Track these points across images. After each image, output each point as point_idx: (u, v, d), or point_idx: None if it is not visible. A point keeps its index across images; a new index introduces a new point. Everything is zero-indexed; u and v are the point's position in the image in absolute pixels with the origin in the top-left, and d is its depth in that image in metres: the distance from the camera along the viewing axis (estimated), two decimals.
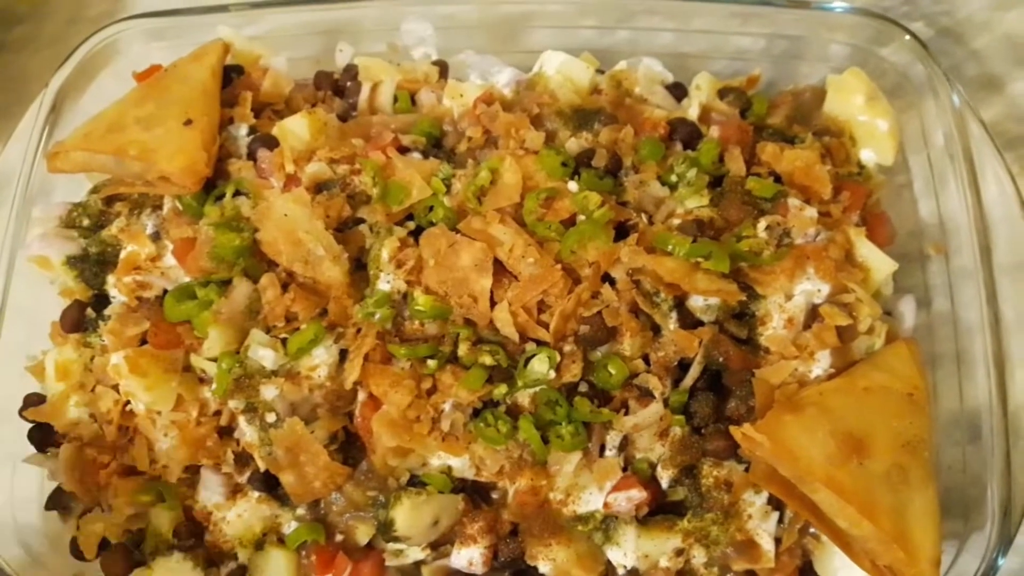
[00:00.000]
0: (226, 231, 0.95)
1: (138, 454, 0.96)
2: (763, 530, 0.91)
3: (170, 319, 0.93)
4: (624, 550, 0.91)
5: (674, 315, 0.93)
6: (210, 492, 0.95)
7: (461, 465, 0.91)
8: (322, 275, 0.94)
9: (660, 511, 0.94)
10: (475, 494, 0.93)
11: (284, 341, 0.92)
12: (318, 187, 1.00)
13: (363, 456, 0.92)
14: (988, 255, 1.02)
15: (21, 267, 1.05)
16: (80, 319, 1.02)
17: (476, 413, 0.92)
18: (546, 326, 0.91)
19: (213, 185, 1.01)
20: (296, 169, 1.00)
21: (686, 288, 0.91)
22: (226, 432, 0.95)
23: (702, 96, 1.11)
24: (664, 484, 0.93)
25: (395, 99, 1.12)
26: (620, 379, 0.91)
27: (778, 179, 1.03)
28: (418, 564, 0.94)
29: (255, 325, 0.93)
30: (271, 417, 0.90)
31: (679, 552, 0.92)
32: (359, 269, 0.98)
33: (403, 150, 1.04)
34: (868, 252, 0.99)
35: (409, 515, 0.89)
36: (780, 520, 0.92)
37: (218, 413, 0.95)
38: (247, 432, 0.92)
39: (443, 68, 1.17)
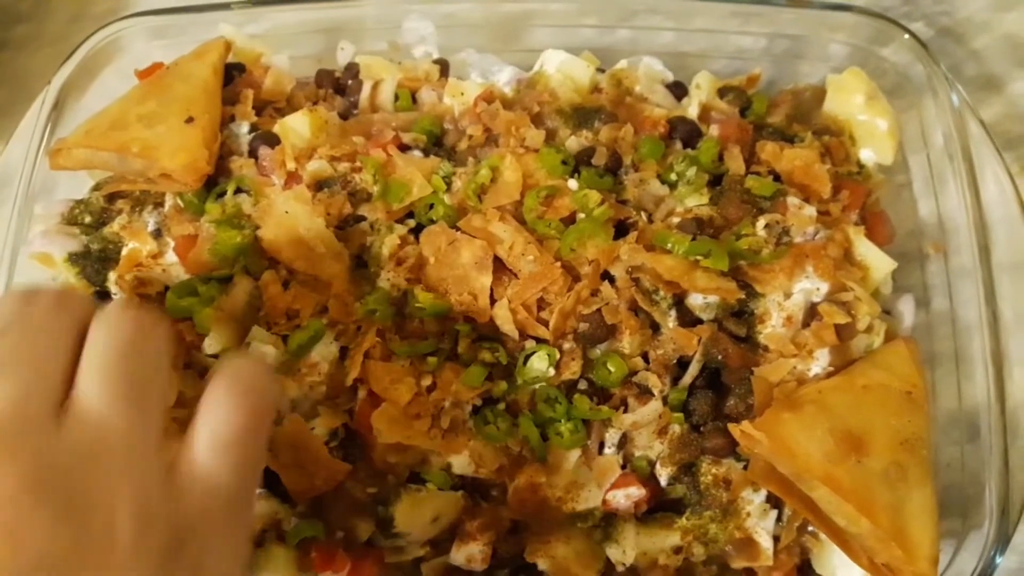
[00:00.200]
0: (227, 228, 0.95)
1: None
2: (762, 528, 0.91)
3: (171, 316, 0.93)
4: (623, 547, 0.91)
5: (673, 313, 0.94)
6: None
7: (461, 462, 0.91)
8: (323, 272, 0.94)
9: (659, 509, 0.94)
10: (475, 491, 0.94)
11: (285, 338, 0.92)
12: (319, 185, 1.00)
13: (363, 453, 0.92)
14: (987, 255, 1.02)
15: (23, 264, 1.05)
16: None
17: (476, 410, 0.92)
18: (546, 324, 0.92)
19: (214, 182, 1.01)
20: (297, 167, 1.00)
21: (685, 286, 0.92)
22: None
23: (702, 95, 1.11)
24: (663, 482, 0.93)
25: (396, 97, 1.12)
26: (619, 377, 0.91)
27: (777, 178, 1.03)
28: (417, 561, 0.94)
29: (256, 322, 0.93)
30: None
31: (678, 550, 0.92)
32: (360, 267, 0.98)
33: (404, 148, 1.04)
34: (867, 251, 1.00)
35: (409, 512, 0.89)
36: (779, 518, 0.92)
37: None
38: None
39: (444, 67, 1.17)
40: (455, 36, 1.20)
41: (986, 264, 1.01)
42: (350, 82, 1.15)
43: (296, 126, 1.04)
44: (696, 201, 1.00)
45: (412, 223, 0.98)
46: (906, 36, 1.12)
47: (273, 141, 1.04)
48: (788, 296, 0.95)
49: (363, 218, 0.99)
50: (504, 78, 1.14)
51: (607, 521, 0.92)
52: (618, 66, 1.15)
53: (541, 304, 0.93)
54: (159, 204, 1.03)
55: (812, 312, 0.95)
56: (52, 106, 1.12)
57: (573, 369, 0.91)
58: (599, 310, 0.92)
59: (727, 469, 0.92)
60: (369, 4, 1.20)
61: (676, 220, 0.97)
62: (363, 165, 0.99)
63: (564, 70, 1.12)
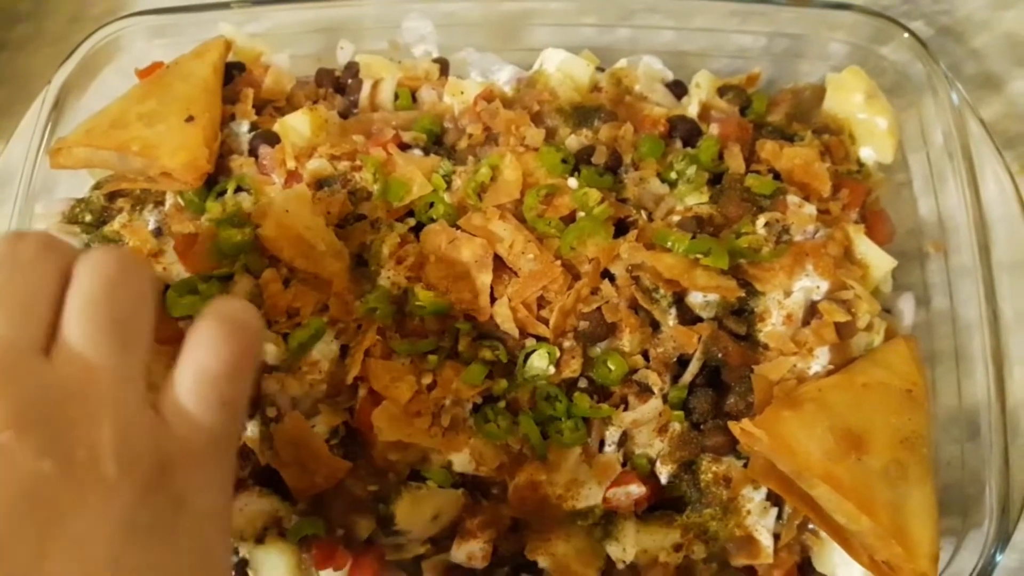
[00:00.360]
0: (228, 227, 0.96)
1: None
2: (762, 526, 0.91)
3: (172, 314, 0.93)
4: (623, 545, 0.91)
5: (673, 311, 0.94)
6: None
7: (461, 460, 0.91)
8: (323, 271, 0.94)
9: (659, 507, 0.94)
10: (475, 489, 0.94)
11: (285, 336, 0.92)
12: (319, 183, 1.00)
13: (363, 451, 0.92)
14: (987, 253, 1.02)
15: None
16: None
17: (476, 408, 0.92)
18: (546, 322, 0.92)
19: (215, 181, 1.01)
20: (297, 165, 1.00)
21: (685, 284, 0.92)
22: None
23: (702, 94, 1.11)
24: (663, 480, 0.93)
25: (396, 96, 1.12)
26: (619, 375, 0.92)
27: (777, 176, 1.03)
28: (418, 559, 0.94)
29: None
30: (272, 411, 0.91)
31: (678, 547, 0.92)
32: (360, 265, 0.98)
33: (404, 147, 1.04)
34: (867, 249, 1.00)
35: (409, 510, 0.89)
36: (779, 516, 0.92)
37: None
38: (248, 427, 0.92)
39: (444, 66, 1.18)
40: (455, 35, 1.20)
41: (986, 263, 1.01)
42: (350, 81, 1.15)
43: (296, 125, 1.04)
44: (696, 199, 1.00)
45: (412, 222, 0.99)
46: (906, 35, 1.12)
47: (273, 140, 1.04)
48: (788, 294, 0.95)
49: (363, 217, 0.99)
50: (504, 77, 1.15)
51: (607, 519, 0.92)
52: (618, 65, 1.15)
53: (541, 302, 0.93)
54: (159, 203, 1.03)
55: (812, 310, 0.95)
56: (52, 105, 1.12)
57: (573, 367, 0.91)
58: (599, 308, 0.92)
59: (727, 467, 0.92)
60: (369, 3, 1.20)
61: (676, 218, 0.98)
62: (363, 164, 1.00)
63: (564, 69, 1.12)
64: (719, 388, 0.94)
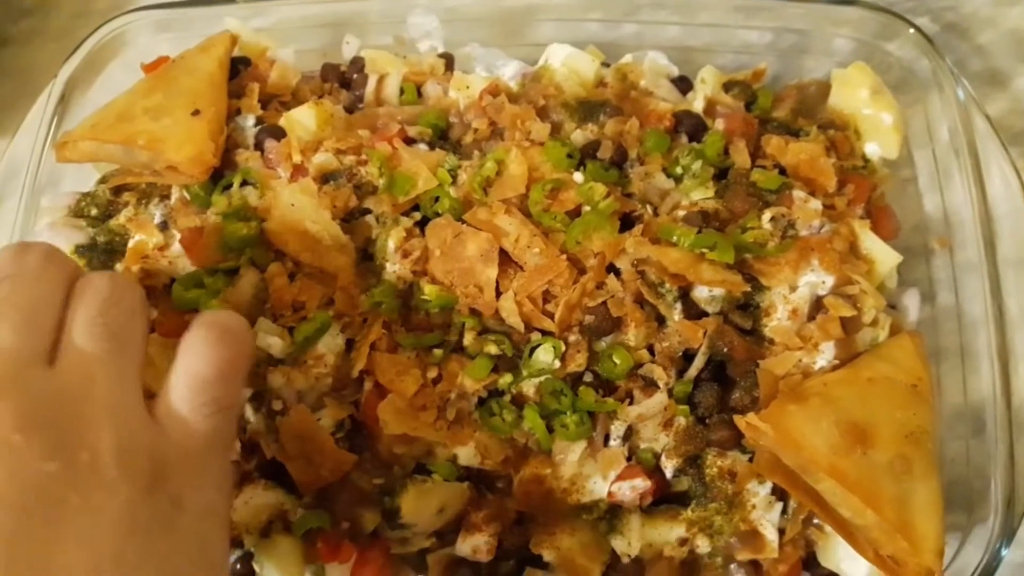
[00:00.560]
0: (233, 220, 0.96)
1: None
2: (767, 520, 0.91)
3: (178, 307, 0.93)
4: (628, 539, 0.91)
5: (679, 306, 0.94)
6: None
7: (466, 454, 0.91)
8: (329, 265, 0.94)
9: (664, 501, 0.94)
10: (480, 483, 0.94)
11: (291, 330, 0.92)
12: (325, 177, 1.00)
13: (369, 444, 0.92)
14: (993, 249, 1.02)
15: None
16: None
17: (481, 402, 0.92)
18: (551, 316, 0.92)
19: (220, 175, 1.01)
20: (303, 159, 1.00)
21: (691, 279, 0.92)
22: None
23: (707, 89, 1.11)
24: (668, 474, 0.93)
25: (401, 91, 1.12)
26: (625, 369, 0.91)
27: (783, 171, 1.03)
28: (423, 552, 0.94)
29: (262, 313, 0.93)
30: (278, 405, 0.91)
31: (683, 541, 0.92)
32: (365, 259, 0.98)
33: (409, 141, 1.04)
34: (872, 244, 1.00)
35: (415, 503, 0.89)
36: (784, 510, 0.92)
37: None
38: (254, 420, 0.92)
39: (449, 61, 1.18)
40: (460, 30, 1.20)
41: (992, 259, 1.01)
42: (355, 76, 1.15)
43: (302, 119, 1.04)
44: (702, 194, 1.00)
45: (418, 216, 0.99)
46: (911, 31, 1.12)
47: (279, 134, 1.04)
48: (794, 289, 0.95)
49: (369, 211, 0.99)
50: (509, 72, 1.14)
51: (612, 513, 0.93)
52: (623, 60, 1.15)
53: (547, 297, 0.93)
54: (165, 196, 1.03)
55: (817, 305, 0.95)
56: (58, 100, 1.13)
57: (579, 361, 0.91)
58: (604, 303, 0.92)
59: (732, 461, 0.92)
60: None
61: (682, 213, 0.98)
62: (369, 158, 1.00)
63: (569, 64, 1.12)
64: (724, 382, 0.94)
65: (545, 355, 0.91)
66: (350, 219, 0.99)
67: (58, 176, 1.11)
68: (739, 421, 0.88)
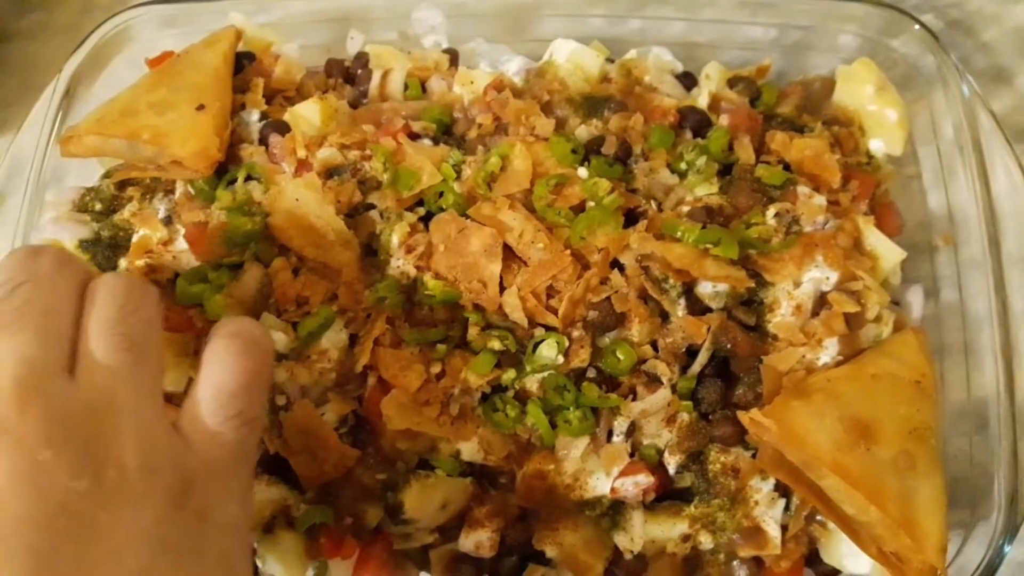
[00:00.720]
0: (238, 215, 0.96)
1: None
2: (770, 517, 0.91)
3: (182, 302, 0.93)
4: (631, 535, 0.91)
5: (682, 301, 0.94)
6: None
7: (469, 449, 0.91)
8: (333, 260, 0.94)
9: (667, 497, 0.94)
10: (483, 478, 0.94)
11: (295, 325, 0.92)
12: (329, 172, 1.00)
13: (372, 440, 0.93)
14: (997, 246, 1.02)
15: None
16: None
17: (485, 398, 0.92)
18: (555, 311, 0.92)
19: (225, 170, 1.01)
20: (307, 154, 1.00)
21: (695, 274, 0.92)
22: None
23: (712, 85, 1.11)
24: (671, 470, 0.93)
25: (405, 86, 1.12)
26: (628, 365, 0.91)
27: (787, 167, 1.03)
28: (426, 548, 0.94)
29: (266, 308, 0.93)
30: (281, 400, 0.91)
31: (686, 538, 0.92)
32: (369, 254, 0.98)
33: (413, 136, 1.04)
34: (876, 241, 0.99)
35: (418, 498, 0.89)
36: (787, 507, 0.92)
37: None
38: None
39: (453, 56, 1.18)
40: (464, 26, 1.20)
41: (996, 256, 1.01)
42: (360, 71, 1.15)
43: (306, 114, 1.04)
44: (706, 190, 1.00)
45: (422, 211, 0.99)
46: (916, 27, 1.12)
47: (283, 129, 1.04)
48: (797, 285, 0.95)
49: (373, 206, 0.99)
50: (514, 68, 1.15)
51: (615, 509, 0.93)
52: (628, 56, 1.15)
53: (550, 292, 0.93)
54: (170, 191, 1.03)
55: (821, 301, 0.95)
56: (63, 94, 1.13)
57: (582, 357, 0.91)
58: (608, 298, 0.92)
59: (735, 457, 0.92)
60: None
61: (686, 209, 0.98)
62: (373, 153, 1.00)
63: (574, 60, 1.12)
64: (728, 378, 0.94)
65: (549, 351, 0.91)
66: (354, 214, 0.99)
67: (62, 171, 1.11)
68: (742, 417, 0.88)
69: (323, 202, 0.96)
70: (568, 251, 0.93)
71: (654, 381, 0.92)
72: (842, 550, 0.92)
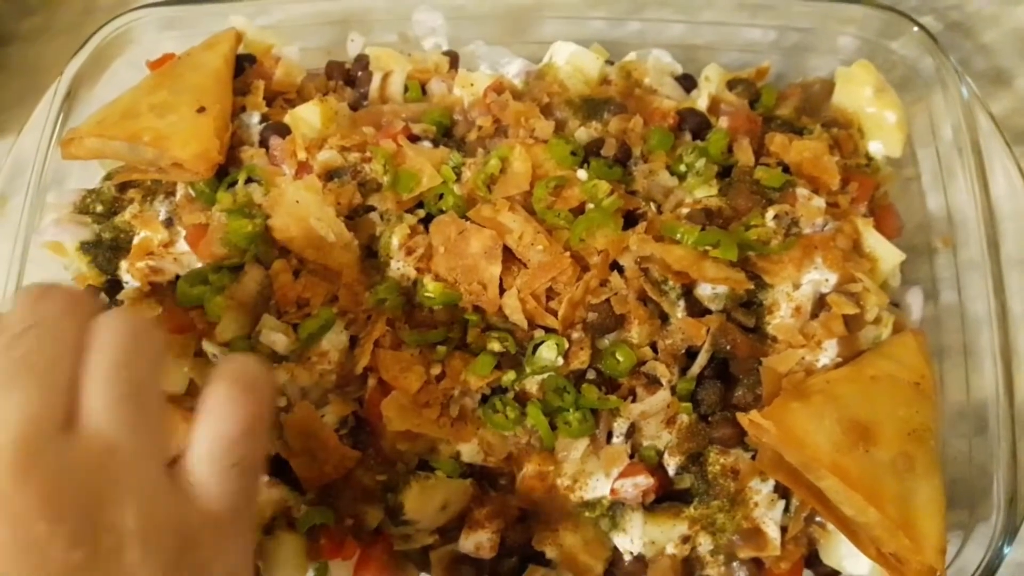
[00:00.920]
0: (238, 217, 0.96)
1: None
2: (769, 518, 0.92)
3: (182, 304, 0.94)
4: (631, 536, 0.92)
5: (682, 303, 0.94)
6: None
7: (469, 450, 0.92)
8: (333, 261, 0.95)
9: (667, 498, 0.94)
10: (483, 479, 0.94)
11: (295, 327, 0.93)
12: (329, 174, 1.00)
13: (373, 441, 0.93)
14: (996, 248, 1.02)
15: (35, 253, 1.06)
16: None
17: (485, 399, 0.93)
18: (555, 313, 0.92)
19: (225, 172, 1.02)
20: (308, 156, 1.01)
21: (694, 276, 0.92)
22: None
23: (711, 87, 1.11)
24: (671, 471, 0.93)
25: (406, 88, 1.13)
26: (628, 366, 0.92)
27: (787, 169, 1.03)
28: (426, 549, 0.94)
29: (267, 310, 0.94)
30: (282, 402, 0.91)
31: (685, 539, 0.92)
32: (369, 256, 0.98)
33: (413, 139, 1.04)
34: (875, 242, 1.00)
35: (418, 499, 0.89)
36: (786, 508, 0.92)
37: None
38: None
39: (453, 58, 1.18)
40: (464, 28, 1.20)
41: (995, 258, 1.01)
42: (360, 73, 1.16)
43: (307, 116, 1.05)
44: (705, 192, 1.00)
45: (422, 213, 0.99)
46: (915, 29, 1.12)
47: (284, 131, 1.04)
48: (797, 287, 0.95)
49: (373, 208, 0.99)
50: (513, 70, 1.15)
51: (615, 510, 0.93)
52: (627, 58, 1.16)
53: (550, 294, 0.93)
54: (170, 193, 1.03)
55: (821, 303, 0.95)
56: (64, 96, 1.13)
57: (582, 358, 0.92)
58: (608, 300, 0.93)
59: (735, 459, 0.92)
60: None
61: (685, 211, 0.98)
62: (373, 155, 1.00)
63: (573, 62, 1.12)
64: (727, 380, 0.94)
65: (548, 352, 0.91)
66: (354, 216, 0.99)
67: (64, 173, 1.11)
68: (742, 418, 0.88)
69: (323, 204, 0.96)
70: (568, 253, 0.93)
71: (654, 383, 0.93)
72: (841, 551, 0.92)
